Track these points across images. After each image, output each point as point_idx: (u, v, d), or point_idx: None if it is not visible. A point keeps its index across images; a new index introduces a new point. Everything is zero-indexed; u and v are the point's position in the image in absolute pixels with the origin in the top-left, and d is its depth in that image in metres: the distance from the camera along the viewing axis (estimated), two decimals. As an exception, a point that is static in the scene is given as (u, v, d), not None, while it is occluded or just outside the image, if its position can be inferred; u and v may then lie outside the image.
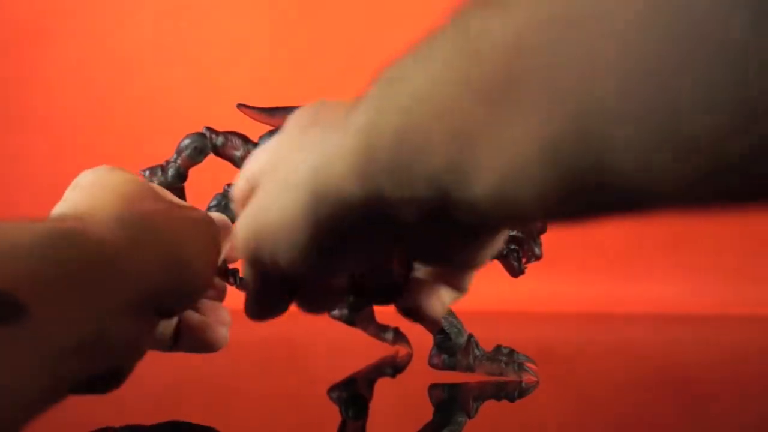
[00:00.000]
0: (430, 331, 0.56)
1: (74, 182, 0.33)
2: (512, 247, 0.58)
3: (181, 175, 0.59)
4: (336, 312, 0.65)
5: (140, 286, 0.27)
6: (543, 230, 0.58)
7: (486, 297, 0.81)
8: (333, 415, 0.53)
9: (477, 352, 0.56)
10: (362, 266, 0.27)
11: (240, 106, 0.56)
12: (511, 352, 0.57)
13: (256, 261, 0.27)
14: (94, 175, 0.33)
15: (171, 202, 0.33)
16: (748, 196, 0.16)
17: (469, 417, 0.50)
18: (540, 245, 0.58)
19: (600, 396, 0.60)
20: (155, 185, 0.35)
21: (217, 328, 0.37)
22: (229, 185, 0.55)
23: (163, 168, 0.59)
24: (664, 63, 0.15)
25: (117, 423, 0.52)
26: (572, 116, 0.17)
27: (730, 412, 0.56)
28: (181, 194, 0.59)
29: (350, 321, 0.65)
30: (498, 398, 0.55)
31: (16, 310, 0.23)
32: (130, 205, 0.30)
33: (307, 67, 1.04)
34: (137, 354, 0.30)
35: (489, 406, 0.53)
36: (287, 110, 0.53)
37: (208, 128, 0.59)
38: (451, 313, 0.57)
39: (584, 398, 0.59)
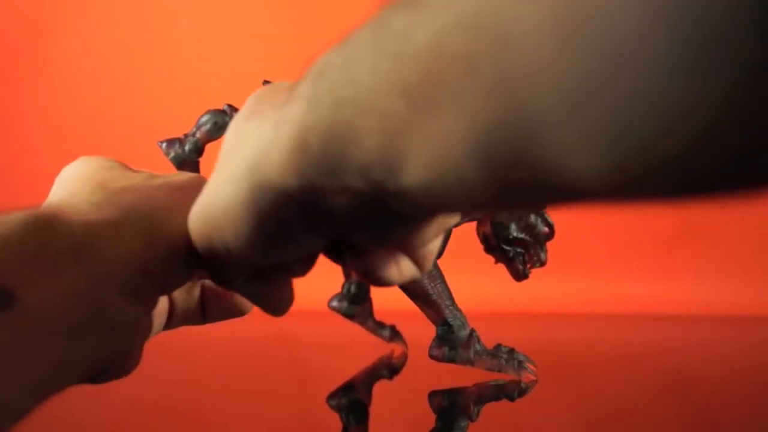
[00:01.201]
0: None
1: (56, 178, 0.33)
2: (518, 250, 0.58)
3: (198, 150, 0.59)
4: (335, 304, 0.65)
5: (126, 266, 0.27)
6: (550, 237, 0.59)
7: (486, 297, 0.82)
8: (332, 417, 0.53)
9: (478, 347, 0.57)
10: (311, 249, 0.27)
11: (266, 83, 0.56)
12: (511, 351, 0.57)
13: (211, 248, 0.28)
14: (72, 167, 0.33)
15: (149, 175, 0.33)
16: (687, 193, 0.16)
17: (471, 420, 0.51)
18: (546, 251, 0.58)
19: (600, 396, 0.60)
20: (128, 166, 0.34)
21: None
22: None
23: (181, 141, 0.59)
24: (590, 64, 0.15)
25: (115, 422, 0.52)
26: (498, 115, 0.17)
27: (731, 413, 0.56)
28: (195, 169, 0.60)
29: (349, 314, 0.65)
30: (497, 399, 0.55)
31: (5, 297, 0.24)
32: (104, 190, 0.30)
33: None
34: (141, 334, 0.30)
35: (490, 408, 0.53)
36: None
37: (230, 105, 0.60)
38: (455, 306, 0.57)
39: (584, 398, 0.60)
